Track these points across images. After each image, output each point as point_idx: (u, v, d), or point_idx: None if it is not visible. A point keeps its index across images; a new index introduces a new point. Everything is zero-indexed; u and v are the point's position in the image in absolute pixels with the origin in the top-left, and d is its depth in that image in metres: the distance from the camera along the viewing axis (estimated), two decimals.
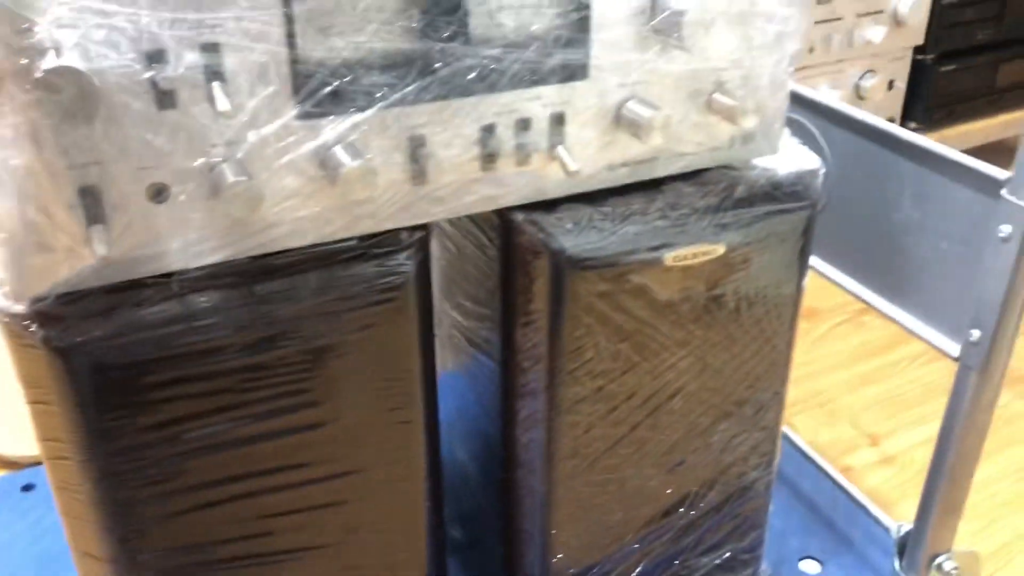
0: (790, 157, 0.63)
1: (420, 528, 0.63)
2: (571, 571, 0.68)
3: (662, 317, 0.61)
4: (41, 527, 0.88)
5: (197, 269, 0.49)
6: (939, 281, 0.72)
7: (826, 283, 0.83)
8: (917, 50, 1.51)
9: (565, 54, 0.52)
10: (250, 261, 0.50)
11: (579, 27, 0.52)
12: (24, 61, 0.40)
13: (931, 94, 1.54)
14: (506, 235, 0.58)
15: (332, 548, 0.59)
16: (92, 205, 0.45)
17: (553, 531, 0.66)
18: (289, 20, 0.45)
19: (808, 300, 0.68)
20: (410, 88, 0.49)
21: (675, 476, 0.68)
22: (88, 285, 0.47)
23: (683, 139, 0.59)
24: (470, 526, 0.79)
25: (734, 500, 0.72)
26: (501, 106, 0.52)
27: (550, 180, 0.56)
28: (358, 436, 0.57)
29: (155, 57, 0.43)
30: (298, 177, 0.49)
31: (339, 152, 0.48)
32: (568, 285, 0.57)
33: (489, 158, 0.53)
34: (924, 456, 0.76)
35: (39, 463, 0.54)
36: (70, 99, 0.40)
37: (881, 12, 1.41)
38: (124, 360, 0.48)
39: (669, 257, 0.58)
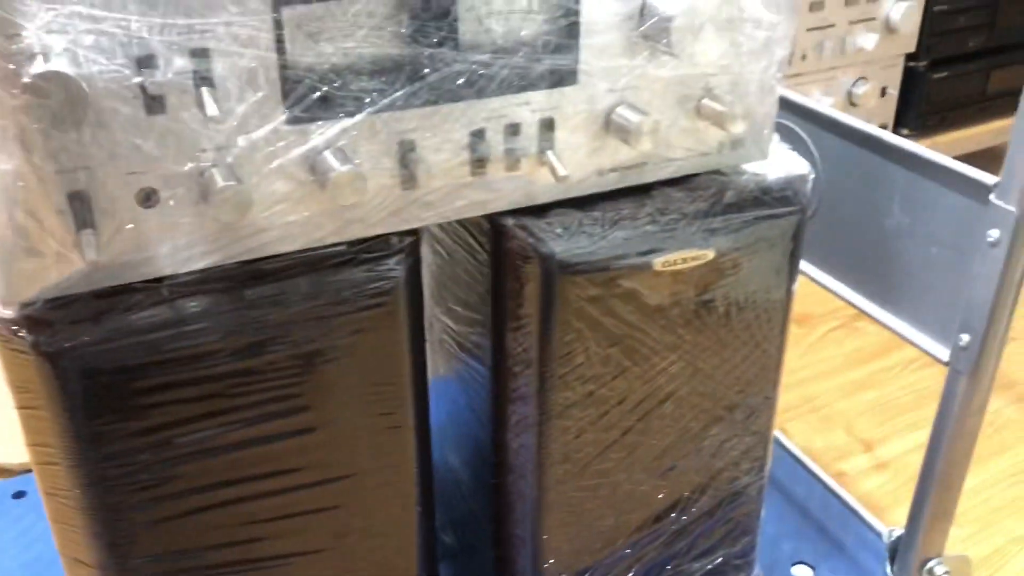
0: (780, 162, 0.64)
1: (411, 533, 0.63)
2: None
3: (652, 322, 0.61)
4: (32, 534, 0.87)
5: (187, 274, 0.49)
6: (929, 286, 0.73)
7: (819, 289, 0.83)
8: (909, 57, 1.51)
9: (554, 60, 0.52)
10: (240, 266, 0.50)
11: (568, 33, 0.52)
12: (12, 66, 0.40)
13: (923, 101, 1.55)
14: (496, 240, 0.59)
15: (323, 553, 0.59)
16: (81, 210, 0.45)
17: (544, 536, 0.66)
18: (278, 25, 0.45)
19: (801, 306, 0.68)
20: (399, 93, 0.49)
21: (666, 481, 0.68)
22: (77, 290, 0.47)
23: (672, 144, 0.59)
24: (461, 531, 0.79)
25: (726, 505, 0.72)
26: (490, 111, 0.52)
27: (540, 185, 0.56)
28: (349, 441, 0.57)
29: (144, 62, 0.43)
30: (287, 182, 0.49)
31: (328, 157, 0.48)
32: (558, 290, 0.57)
33: (479, 163, 0.54)
34: (917, 462, 0.76)
35: (30, 470, 0.54)
36: (59, 104, 0.41)
37: (873, 19, 1.42)
38: (113, 365, 0.48)
39: (659, 262, 0.59)
